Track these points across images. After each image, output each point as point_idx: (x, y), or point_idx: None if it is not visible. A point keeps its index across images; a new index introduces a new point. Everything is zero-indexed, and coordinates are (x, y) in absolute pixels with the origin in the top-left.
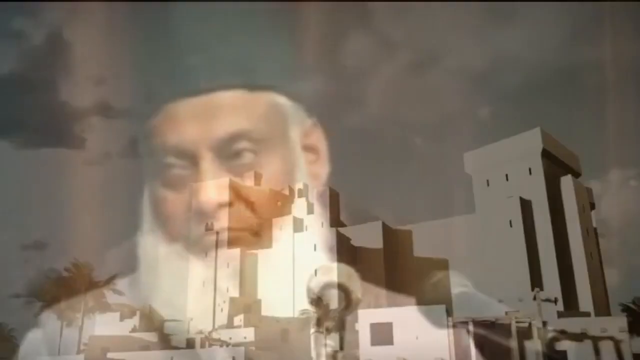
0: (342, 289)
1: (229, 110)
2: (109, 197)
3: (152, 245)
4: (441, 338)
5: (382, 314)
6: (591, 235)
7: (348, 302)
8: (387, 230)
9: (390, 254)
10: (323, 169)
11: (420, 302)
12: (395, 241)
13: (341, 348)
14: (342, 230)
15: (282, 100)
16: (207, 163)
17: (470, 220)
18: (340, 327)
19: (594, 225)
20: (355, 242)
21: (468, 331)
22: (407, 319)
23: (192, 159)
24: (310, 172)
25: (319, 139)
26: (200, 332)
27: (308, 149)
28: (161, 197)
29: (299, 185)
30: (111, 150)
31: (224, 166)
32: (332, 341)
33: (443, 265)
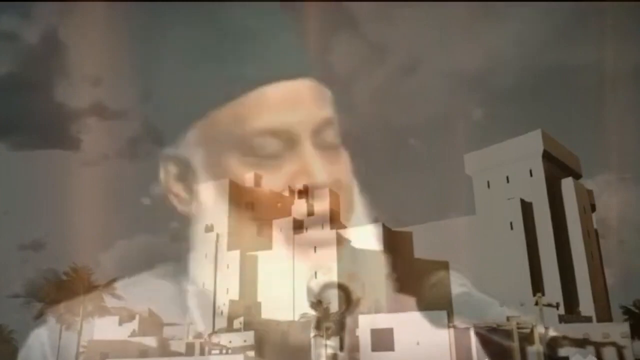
0: (342, 289)
1: (311, 98)
2: (107, 198)
3: (151, 246)
4: (442, 344)
5: (382, 320)
6: (592, 237)
7: (348, 303)
8: (387, 232)
9: (390, 255)
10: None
11: (420, 305)
12: (395, 243)
13: (341, 349)
14: (342, 231)
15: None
16: (310, 149)
17: (470, 221)
18: (341, 329)
19: (595, 226)
20: (356, 244)
21: (469, 337)
22: (408, 324)
23: (290, 141)
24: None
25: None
26: (200, 335)
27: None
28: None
29: (299, 187)
30: (108, 151)
31: (320, 154)
32: (332, 344)
33: (443, 267)
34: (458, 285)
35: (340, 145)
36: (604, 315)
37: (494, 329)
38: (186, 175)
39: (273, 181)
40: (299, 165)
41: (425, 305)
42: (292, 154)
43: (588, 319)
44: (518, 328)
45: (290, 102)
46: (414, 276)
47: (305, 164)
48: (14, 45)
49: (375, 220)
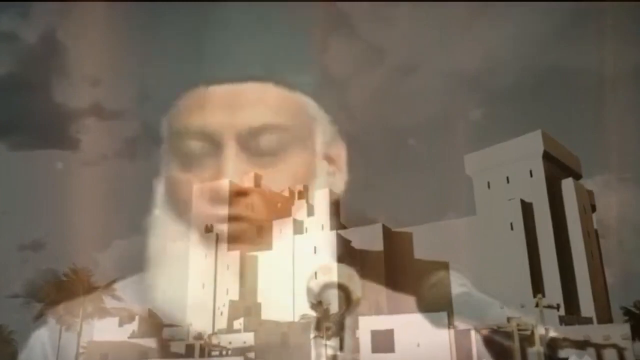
0: (342, 289)
1: (257, 102)
2: (106, 198)
3: (151, 246)
4: (443, 345)
5: (383, 321)
6: (592, 237)
7: (348, 303)
8: (387, 233)
9: (390, 256)
10: (341, 182)
11: (420, 305)
12: (395, 244)
13: (341, 349)
14: (342, 232)
15: (308, 101)
16: (232, 151)
17: (471, 222)
18: (340, 330)
19: (595, 227)
20: (356, 245)
21: (470, 338)
22: (409, 326)
23: (217, 144)
24: (329, 183)
25: (340, 151)
26: (200, 335)
27: (328, 159)
28: (178, 181)
29: (299, 187)
30: (107, 151)
31: (246, 158)
32: (332, 346)
33: (444, 267)
34: (458, 285)
35: (279, 152)
36: (604, 315)
37: (495, 331)
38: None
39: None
40: (217, 167)
41: (426, 306)
42: (214, 155)
43: (588, 320)
44: (518, 329)
45: (226, 105)
46: (414, 277)
47: (223, 165)
48: (13, 46)
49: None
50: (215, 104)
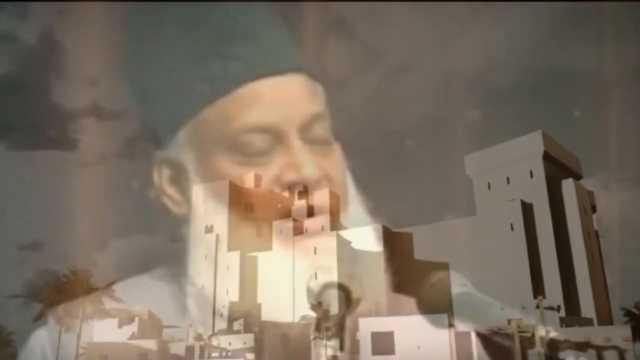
0: (342, 289)
1: (302, 94)
2: (105, 198)
3: (150, 247)
4: (443, 347)
5: (383, 323)
6: (592, 238)
7: (348, 303)
8: (387, 233)
9: (390, 257)
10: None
11: (421, 306)
12: (395, 244)
13: (341, 349)
14: (342, 233)
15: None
16: (297, 143)
17: (471, 223)
18: (341, 331)
19: (595, 227)
20: (356, 245)
21: (470, 340)
22: (409, 328)
23: (278, 137)
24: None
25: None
26: (200, 337)
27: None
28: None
29: (299, 188)
30: (106, 152)
31: (310, 148)
32: (332, 347)
33: (444, 268)
34: (458, 285)
35: (331, 140)
36: (604, 316)
37: (495, 333)
38: (178, 177)
39: (263, 178)
40: (287, 160)
41: (426, 307)
42: (280, 149)
43: (589, 321)
44: (519, 331)
45: (278, 98)
46: (414, 277)
47: (294, 158)
48: (11, 46)
49: (374, 221)
50: (268, 98)
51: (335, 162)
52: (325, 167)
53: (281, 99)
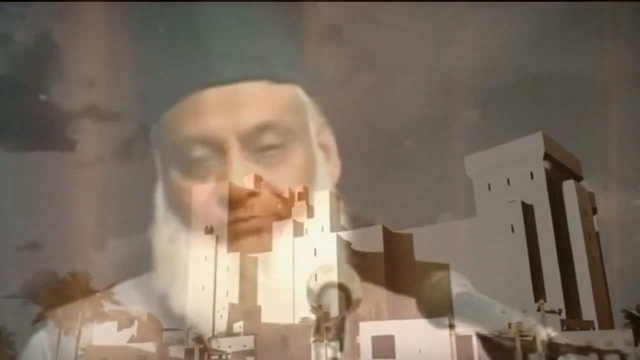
0: (342, 289)
1: (254, 101)
2: (103, 199)
3: (150, 248)
4: (444, 351)
5: (383, 327)
6: (593, 239)
7: (348, 303)
8: (387, 234)
9: (391, 258)
10: (336, 167)
11: (421, 308)
12: (396, 245)
13: (341, 349)
14: (342, 234)
15: (300, 91)
16: (236, 153)
17: (471, 224)
18: (341, 333)
19: (596, 229)
20: (356, 247)
21: (471, 344)
22: (409, 331)
23: (219, 149)
24: (327, 170)
25: (328, 137)
26: (199, 339)
27: (321, 146)
28: (181, 188)
29: (299, 189)
30: (104, 152)
31: (251, 158)
32: (332, 348)
33: (444, 269)
34: (458, 286)
35: (280, 147)
36: (605, 318)
37: (496, 337)
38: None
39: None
40: (223, 170)
41: (426, 308)
42: (220, 159)
43: (589, 323)
44: (520, 335)
45: (225, 106)
46: (414, 278)
47: (229, 167)
48: (8, 47)
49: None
50: (212, 107)
51: (287, 167)
52: (266, 175)
53: (227, 107)
